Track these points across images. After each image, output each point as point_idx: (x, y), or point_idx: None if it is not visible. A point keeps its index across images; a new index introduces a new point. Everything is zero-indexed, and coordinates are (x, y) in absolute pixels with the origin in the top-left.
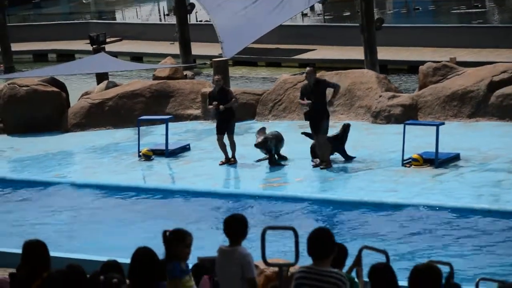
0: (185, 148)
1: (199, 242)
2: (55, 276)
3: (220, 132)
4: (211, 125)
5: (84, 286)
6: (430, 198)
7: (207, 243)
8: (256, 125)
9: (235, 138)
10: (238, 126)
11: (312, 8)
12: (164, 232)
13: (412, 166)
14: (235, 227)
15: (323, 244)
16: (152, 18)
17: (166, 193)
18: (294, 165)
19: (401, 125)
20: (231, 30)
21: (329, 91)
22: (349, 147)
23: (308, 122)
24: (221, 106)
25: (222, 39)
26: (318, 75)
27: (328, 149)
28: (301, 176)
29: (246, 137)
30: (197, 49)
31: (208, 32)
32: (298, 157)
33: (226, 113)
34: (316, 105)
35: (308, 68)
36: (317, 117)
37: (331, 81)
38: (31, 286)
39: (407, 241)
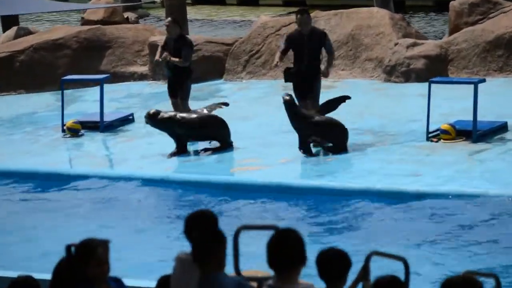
0: (127, 120)
1: (148, 247)
2: None
3: (174, 95)
4: (163, 86)
5: None
6: (467, 185)
7: (162, 250)
8: (225, 86)
9: (195, 105)
10: (200, 88)
11: None
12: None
13: (441, 140)
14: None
15: (286, 250)
16: None
17: (101, 181)
18: (277, 141)
19: (425, 84)
20: None
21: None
22: (354, 115)
23: (290, 84)
24: (165, 54)
25: None
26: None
27: None
28: (287, 156)
29: (210, 103)
30: None
31: None
32: (283, 130)
33: (178, 69)
34: (310, 64)
35: (300, 9)
36: (309, 78)
37: (330, 41)
38: None
39: (434, 244)
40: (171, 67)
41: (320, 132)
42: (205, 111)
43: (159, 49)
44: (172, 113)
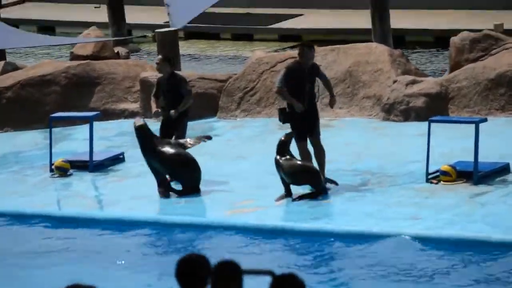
0: (118, 159)
1: None
2: None
3: (166, 135)
4: (155, 124)
5: None
6: (468, 229)
7: None
8: (219, 124)
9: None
10: (193, 126)
11: None
12: None
13: (441, 182)
14: (190, 271)
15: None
16: None
17: (90, 224)
18: (272, 182)
19: (425, 123)
20: None
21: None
22: (352, 155)
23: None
24: (172, 112)
25: (169, 1)
26: None
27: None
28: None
29: (204, 142)
30: (134, 15)
31: None
32: None
33: (176, 108)
34: (311, 100)
35: (306, 43)
36: (311, 116)
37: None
38: None
39: None
40: (165, 105)
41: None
42: (189, 143)
43: (153, 98)
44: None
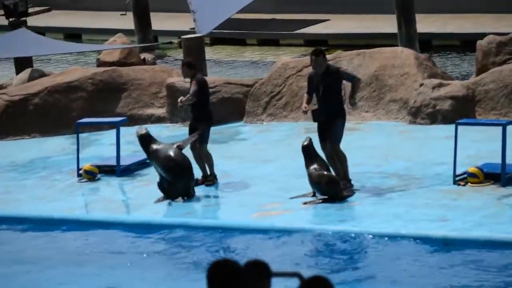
0: (145, 163)
1: None
2: None
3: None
4: (182, 129)
5: None
6: (496, 230)
7: None
8: (245, 128)
9: (215, 148)
10: (220, 131)
11: None
12: None
13: (469, 184)
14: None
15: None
16: None
17: (118, 227)
18: (299, 185)
19: (452, 126)
20: None
21: (347, 86)
22: (378, 158)
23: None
24: (180, 99)
25: (195, 7)
26: (332, 56)
27: (345, 162)
28: (309, 201)
29: (231, 146)
30: (160, 21)
31: None
32: (305, 174)
33: (196, 112)
34: (326, 103)
35: (314, 50)
36: (327, 119)
37: (348, 71)
38: None
39: None
40: (190, 110)
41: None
42: (183, 143)
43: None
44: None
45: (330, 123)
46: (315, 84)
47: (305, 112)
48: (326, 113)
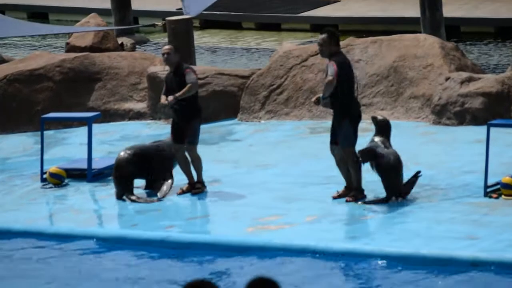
0: None
1: None
2: None
3: (178, 140)
4: (165, 127)
5: None
6: None
7: None
8: (240, 127)
9: (204, 150)
10: (210, 129)
11: None
12: None
13: (503, 196)
14: None
15: None
16: None
17: (87, 242)
18: (303, 195)
19: (483, 127)
20: None
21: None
22: None
23: (321, 125)
24: (169, 97)
25: None
26: (343, 44)
27: (358, 168)
28: (314, 214)
29: (222, 148)
30: (140, 0)
31: None
32: (310, 181)
33: (184, 108)
34: (335, 96)
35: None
36: (334, 117)
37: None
38: None
39: None
40: (175, 106)
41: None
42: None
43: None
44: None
45: (338, 123)
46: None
47: (317, 102)
48: (335, 112)
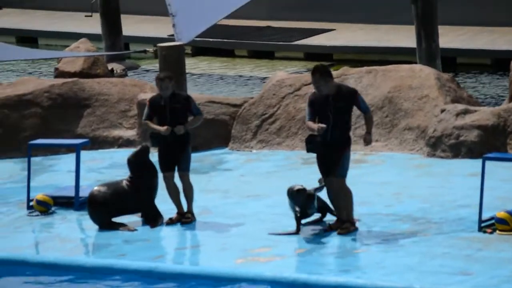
0: None
1: None
2: None
3: (167, 168)
4: (155, 155)
5: None
6: None
7: None
8: (231, 156)
9: (193, 179)
10: (200, 158)
11: None
12: None
13: (497, 231)
14: None
15: None
16: None
17: (74, 273)
18: (292, 226)
19: (479, 161)
20: None
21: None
22: (389, 197)
23: (314, 155)
24: (177, 128)
25: (174, 10)
26: (337, 74)
27: (350, 200)
28: (305, 246)
29: (212, 177)
30: (132, 26)
31: None
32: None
33: (179, 135)
34: (334, 129)
35: (316, 67)
36: (333, 149)
37: (362, 98)
38: None
39: None
40: (176, 133)
41: None
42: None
43: (147, 109)
44: None
45: (339, 153)
46: (320, 106)
47: (321, 130)
48: (333, 142)
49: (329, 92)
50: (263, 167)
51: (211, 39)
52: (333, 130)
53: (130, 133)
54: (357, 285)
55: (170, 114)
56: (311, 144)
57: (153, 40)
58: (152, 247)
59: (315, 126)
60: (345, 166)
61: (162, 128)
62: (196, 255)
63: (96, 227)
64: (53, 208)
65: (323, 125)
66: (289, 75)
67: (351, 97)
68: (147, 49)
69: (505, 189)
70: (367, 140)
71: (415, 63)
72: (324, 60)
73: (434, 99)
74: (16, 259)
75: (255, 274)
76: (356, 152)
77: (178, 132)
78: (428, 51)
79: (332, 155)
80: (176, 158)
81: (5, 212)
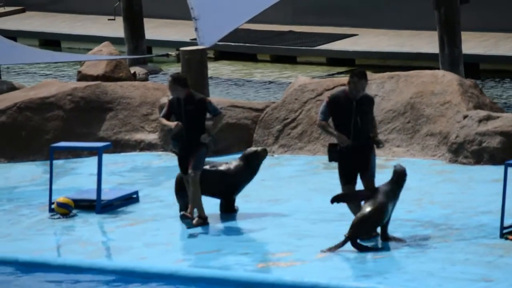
0: (131, 199)
1: None
2: None
3: (186, 170)
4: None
5: None
6: None
7: None
8: None
9: None
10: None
11: None
12: None
13: None
14: None
15: None
16: None
17: (95, 275)
18: (314, 232)
19: (501, 167)
20: (213, 1)
21: None
22: (410, 203)
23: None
24: (203, 136)
25: (197, 14)
26: None
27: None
28: (325, 251)
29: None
30: (154, 30)
31: (173, 2)
32: (322, 218)
33: (195, 138)
34: (360, 134)
35: (359, 71)
36: (361, 154)
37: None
38: None
39: None
40: (186, 135)
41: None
42: None
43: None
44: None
45: (366, 158)
46: (344, 110)
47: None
48: (360, 147)
49: (358, 95)
50: (285, 172)
51: (233, 44)
52: (356, 135)
53: (152, 137)
54: None
55: (185, 115)
56: (333, 153)
57: (175, 44)
58: (173, 250)
59: (342, 138)
60: (373, 170)
61: (173, 124)
62: (217, 259)
63: (117, 230)
64: (74, 211)
65: (346, 139)
66: (311, 80)
67: (371, 104)
68: (170, 53)
69: None
70: (380, 142)
71: (438, 69)
72: (346, 66)
73: (457, 105)
74: (38, 262)
75: (276, 278)
76: (378, 158)
77: (204, 140)
78: (451, 57)
79: (358, 159)
80: (189, 159)
81: (27, 215)
